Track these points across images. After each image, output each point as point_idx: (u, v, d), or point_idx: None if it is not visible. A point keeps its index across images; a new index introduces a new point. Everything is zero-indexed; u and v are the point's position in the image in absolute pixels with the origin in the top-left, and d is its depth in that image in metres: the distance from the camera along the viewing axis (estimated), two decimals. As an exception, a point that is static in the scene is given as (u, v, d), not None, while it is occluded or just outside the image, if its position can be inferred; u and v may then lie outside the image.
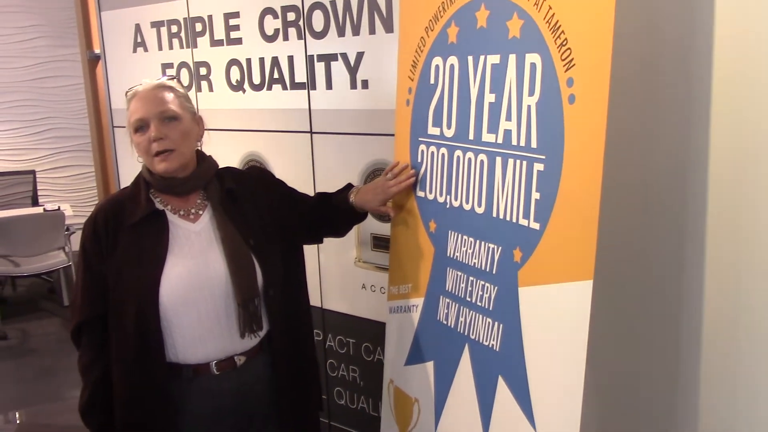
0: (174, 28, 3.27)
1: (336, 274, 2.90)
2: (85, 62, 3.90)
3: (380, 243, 2.71)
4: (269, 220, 2.03)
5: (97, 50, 3.89)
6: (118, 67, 3.68)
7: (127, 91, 1.94)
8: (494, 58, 1.75)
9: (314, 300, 2.93)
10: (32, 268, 5.71)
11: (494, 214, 1.77)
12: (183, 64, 3.27)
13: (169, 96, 1.90)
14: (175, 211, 1.93)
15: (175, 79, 1.98)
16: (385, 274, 2.63)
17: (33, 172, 7.05)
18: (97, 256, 1.88)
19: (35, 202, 6.89)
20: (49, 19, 7.23)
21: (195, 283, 1.85)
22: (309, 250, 2.90)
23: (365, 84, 2.62)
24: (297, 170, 2.89)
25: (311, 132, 2.84)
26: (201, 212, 1.95)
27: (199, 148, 2.00)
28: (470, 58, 1.84)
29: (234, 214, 1.96)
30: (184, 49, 3.25)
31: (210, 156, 2.03)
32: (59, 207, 6.02)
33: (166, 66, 3.34)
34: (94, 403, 1.91)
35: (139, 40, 3.47)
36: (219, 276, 1.87)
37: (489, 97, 1.78)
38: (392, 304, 2.24)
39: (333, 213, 2.20)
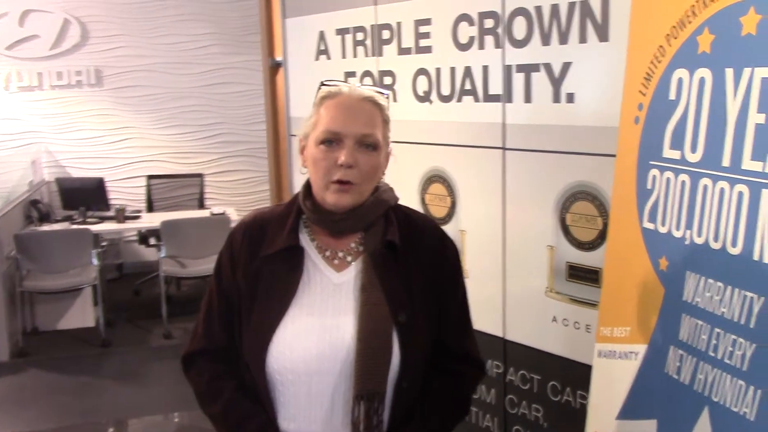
0: (360, 36, 3.16)
1: (523, 302, 2.67)
2: (266, 69, 3.90)
3: (577, 273, 2.45)
4: (429, 295, 1.60)
5: (278, 57, 3.87)
6: (298, 74, 3.64)
7: (323, 83, 1.58)
8: (765, 71, 1.47)
9: (495, 329, 2.74)
10: (197, 270, 5.84)
11: (755, 257, 1.48)
12: (366, 73, 3.15)
13: (378, 118, 1.55)
14: (321, 249, 1.59)
15: (388, 97, 1.62)
16: (580, 307, 2.39)
17: (201, 176, 7.29)
18: (230, 274, 1.61)
19: (201, 205, 7.12)
20: (223, 28, 7.47)
21: (313, 350, 1.51)
22: (493, 275, 2.71)
23: (570, 98, 2.38)
24: (484, 189, 2.69)
25: (504, 148, 2.63)
26: (350, 259, 1.59)
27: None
28: (729, 71, 1.57)
29: (389, 275, 1.55)
30: (368, 57, 3.13)
31: (390, 189, 1.64)
32: (224, 211, 6.16)
33: (348, 75, 3.24)
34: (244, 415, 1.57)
35: (322, 47, 3.39)
36: (345, 351, 1.51)
37: (756, 118, 1.49)
38: (603, 347, 1.98)
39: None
